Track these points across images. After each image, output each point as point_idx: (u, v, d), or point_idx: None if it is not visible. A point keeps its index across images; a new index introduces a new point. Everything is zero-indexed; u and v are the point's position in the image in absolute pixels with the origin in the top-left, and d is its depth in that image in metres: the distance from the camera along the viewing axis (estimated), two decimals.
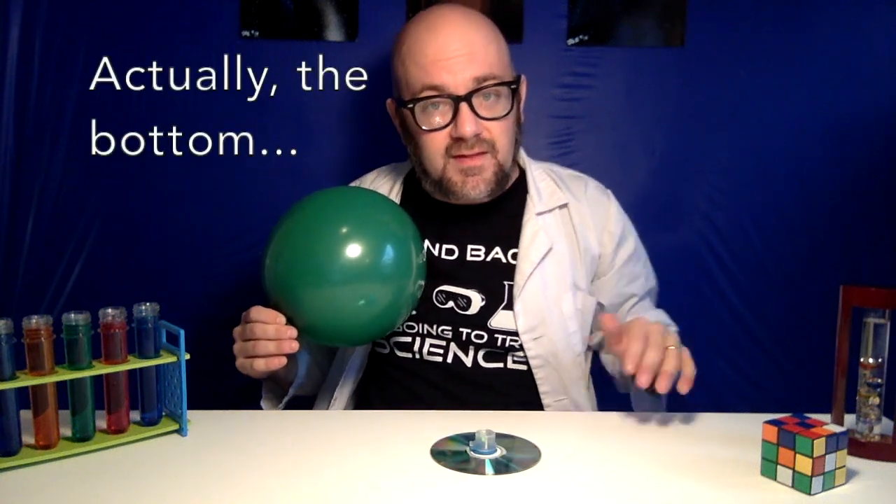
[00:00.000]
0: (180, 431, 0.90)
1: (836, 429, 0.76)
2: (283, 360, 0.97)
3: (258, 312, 0.98)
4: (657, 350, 0.90)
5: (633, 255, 1.18)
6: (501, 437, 0.86)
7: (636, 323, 0.94)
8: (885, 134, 1.45)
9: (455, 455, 0.83)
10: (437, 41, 1.04)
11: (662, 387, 0.88)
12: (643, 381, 0.88)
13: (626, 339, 0.91)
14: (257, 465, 0.81)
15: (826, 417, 0.87)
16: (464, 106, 1.03)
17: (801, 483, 0.74)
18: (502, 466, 0.80)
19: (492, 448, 0.83)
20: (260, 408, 1.15)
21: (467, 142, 1.05)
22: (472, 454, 0.83)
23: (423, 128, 1.06)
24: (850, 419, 0.88)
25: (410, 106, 1.06)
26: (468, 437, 0.86)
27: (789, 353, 1.49)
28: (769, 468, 0.78)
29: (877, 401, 0.86)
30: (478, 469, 0.80)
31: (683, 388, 0.91)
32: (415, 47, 1.06)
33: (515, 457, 0.83)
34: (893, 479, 0.79)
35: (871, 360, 0.86)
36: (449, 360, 1.11)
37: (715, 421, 0.97)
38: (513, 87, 1.07)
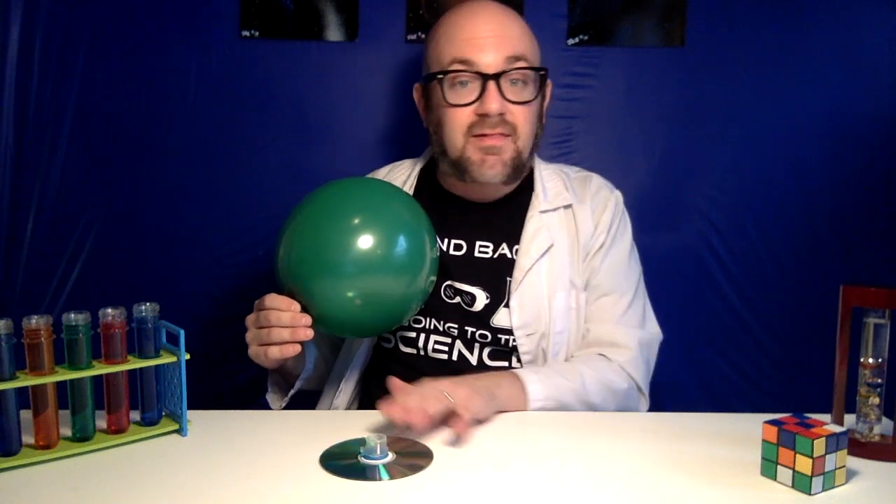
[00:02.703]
0: (180, 431, 0.90)
1: (836, 429, 0.76)
2: (298, 348, 0.97)
3: (273, 300, 0.98)
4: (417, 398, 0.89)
5: (613, 248, 1.15)
6: (393, 441, 0.85)
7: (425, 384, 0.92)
8: (885, 134, 1.45)
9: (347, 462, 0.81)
10: (473, 22, 1.09)
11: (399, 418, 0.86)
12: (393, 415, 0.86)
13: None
14: (257, 466, 0.81)
15: (826, 417, 0.87)
16: (491, 84, 1.06)
17: (801, 483, 0.74)
18: (396, 471, 0.79)
19: (383, 453, 0.81)
20: (261, 406, 1.15)
21: (490, 119, 1.07)
22: (363, 460, 0.81)
23: (450, 101, 1.08)
24: (850, 419, 0.88)
25: (440, 77, 1.08)
26: (359, 443, 0.84)
27: (789, 353, 1.49)
28: (769, 468, 0.78)
29: (877, 401, 0.86)
30: (370, 475, 0.78)
31: (457, 428, 0.87)
32: (450, 29, 1.10)
33: (408, 461, 0.81)
34: (893, 479, 0.79)
35: (871, 360, 0.86)
36: (454, 357, 1.12)
37: (715, 421, 0.97)
38: (541, 73, 1.10)
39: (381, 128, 1.46)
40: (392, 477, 0.78)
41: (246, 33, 1.42)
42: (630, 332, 1.12)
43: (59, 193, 1.43)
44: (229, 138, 1.44)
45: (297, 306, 0.97)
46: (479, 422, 0.92)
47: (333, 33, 1.43)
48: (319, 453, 0.84)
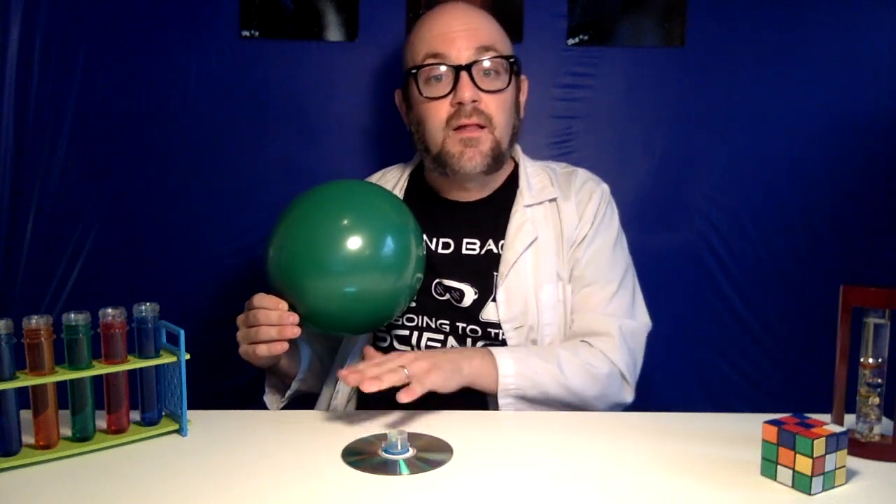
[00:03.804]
0: (180, 431, 0.90)
1: (836, 429, 0.76)
2: (286, 346, 0.99)
3: (261, 299, 1.00)
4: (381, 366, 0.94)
5: (597, 239, 1.15)
6: (413, 437, 0.87)
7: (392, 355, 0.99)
8: (885, 134, 1.45)
9: (367, 456, 0.83)
10: (443, 19, 1.13)
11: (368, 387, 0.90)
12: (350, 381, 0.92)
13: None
14: (257, 466, 0.81)
15: (826, 417, 0.87)
16: (464, 74, 1.09)
17: (801, 483, 0.74)
18: (415, 466, 0.80)
19: (405, 448, 0.83)
20: (261, 406, 1.15)
21: (465, 108, 1.09)
22: (384, 455, 0.83)
23: (425, 95, 1.11)
24: (850, 419, 0.88)
25: (414, 72, 1.12)
26: (379, 438, 0.86)
27: (789, 353, 1.49)
28: (769, 468, 0.78)
29: (877, 401, 0.86)
30: (391, 469, 0.80)
31: (401, 396, 0.90)
32: (422, 29, 1.14)
33: (428, 456, 0.83)
34: (893, 479, 0.79)
35: (871, 360, 0.86)
36: None
37: (715, 421, 0.97)
38: (511, 60, 1.13)
39: (380, 127, 1.46)
40: (412, 472, 0.79)
41: (246, 33, 1.42)
42: (612, 321, 1.10)
43: (59, 193, 1.43)
44: (229, 138, 1.44)
45: (284, 305, 0.99)
46: (448, 394, 0.96)
47: (333, 33, 1.43)
48: (320, 452, 0.84)
